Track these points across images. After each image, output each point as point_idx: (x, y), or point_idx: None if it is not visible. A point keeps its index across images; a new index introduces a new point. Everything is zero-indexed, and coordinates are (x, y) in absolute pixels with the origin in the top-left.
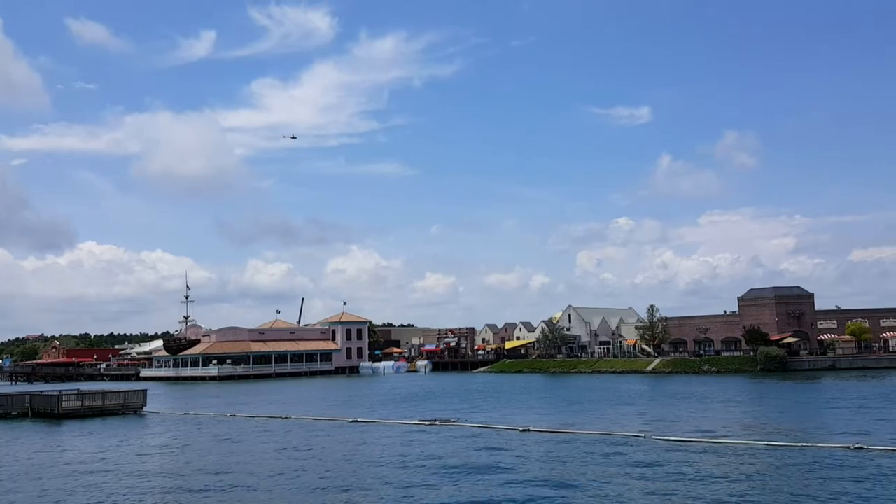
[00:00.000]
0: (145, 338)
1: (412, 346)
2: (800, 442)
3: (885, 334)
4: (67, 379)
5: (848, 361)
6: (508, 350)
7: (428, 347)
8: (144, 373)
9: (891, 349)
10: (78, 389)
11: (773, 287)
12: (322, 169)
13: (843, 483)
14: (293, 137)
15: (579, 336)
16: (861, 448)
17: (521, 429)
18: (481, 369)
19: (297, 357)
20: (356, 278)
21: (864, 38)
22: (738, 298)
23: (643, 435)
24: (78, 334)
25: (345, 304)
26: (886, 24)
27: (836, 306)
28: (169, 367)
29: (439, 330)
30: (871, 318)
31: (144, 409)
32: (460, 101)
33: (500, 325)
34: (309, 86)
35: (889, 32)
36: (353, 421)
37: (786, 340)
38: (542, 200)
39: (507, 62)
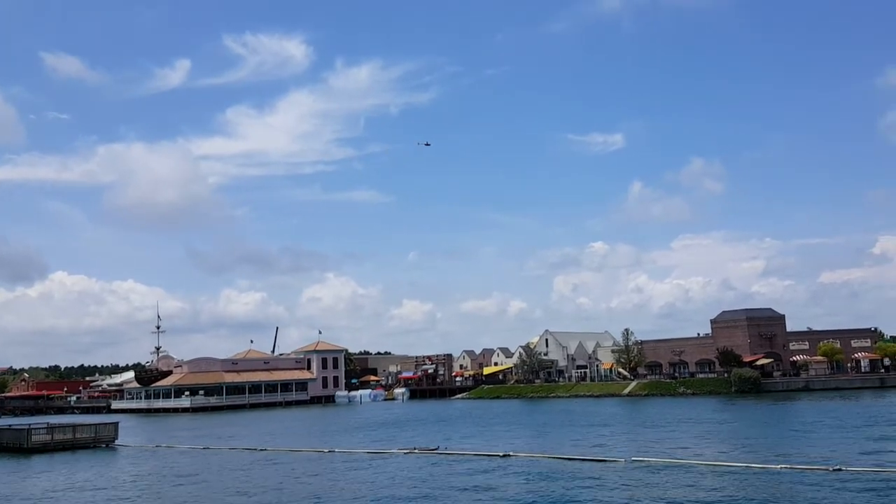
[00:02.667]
0: (116, 369)
1: (389, 373)
2: (778, 464)
3: (856, 355)
4: (37, 412)
5: (821, 382)
6: (486, 376)
7: (405, 375)
8: (116, 405)
9: (863, 370)
10: (48, 423)
11: (745, 309)
12: (297, 196)
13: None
14: (427, 144)
15: (556, 360)
16: (840, 470)
17: (501, 454)
18: (459, 396)
19: (271, 387)
20: (333, 306)
21: (828, 64)
22: (711, 321)
23: (622, 459)
24: (48, 366)
25: (320, 332)
26: (850, 51)
27: (808, 327)
28: (141, 398)
29: (417, 357)
30: (843, 339)
31: (116, 441)
32: (436, 128)
33: (477, 352)
34: (284, 113)
35: (852, 60)
36: (329, 451)
37: (759, 362)
38: (518, 226)
39: (483, 90)
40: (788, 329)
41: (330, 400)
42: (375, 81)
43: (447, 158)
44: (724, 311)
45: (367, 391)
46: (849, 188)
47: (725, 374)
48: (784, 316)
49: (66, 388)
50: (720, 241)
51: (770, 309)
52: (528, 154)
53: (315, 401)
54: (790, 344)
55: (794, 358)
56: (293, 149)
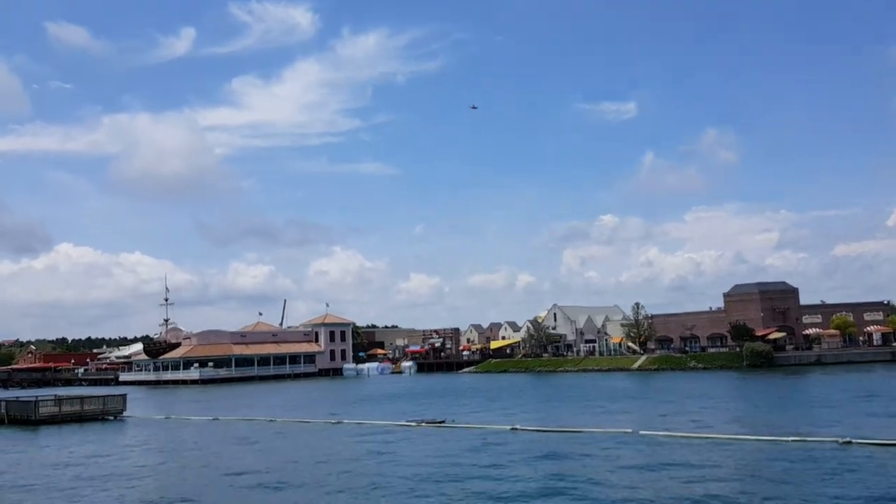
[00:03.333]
0: (124, 342)
1: (397, 347)
2: (788, 436)
3: (869, 328)
4: (44, 384)
5: (834, 356)
6: (494, 350)
7: (413, 348)
8: (124, 377)
9: (875, 343)
10: (55, 395)
11: (758, 283)
12: (304, 168)
13: (831, 477)
14: (474, 108)
15: (565, 335)
16: (849, 442)
17: (508, 428)
18: (467, 370)
19: (279, 359)
20: (340, 280)
21: (841, 35)
22: (724, 294)
23: (630, 430)
24: (55, 339)
25: (328, 305)
26: (863, 22)
27: (821, 301)
28: (149, 370)
29: (424, 331)
30: (856, 312)
31: (124, 413)
32: (444, 97)
33: (485, 325)
34: (290, 83)
35: (866, 31)
36: (336, 422)
37: (771, 336)
38: (527, 199)
39: (492, 58)
40: (802, 302)
41: (338, 373)
42: (382, 49)
43: (455, 129)
44: (736, 285)
45: (375, 364)
46: (865, 159)
47: (737, 349)
48: (797, 289)
49: (73, 361)
50: (734, 213)
51: (783, 282)
52: (537, 124)
53: (323, 373)
54: (803, 317)
55: (807, 331)
56: (299, 119)
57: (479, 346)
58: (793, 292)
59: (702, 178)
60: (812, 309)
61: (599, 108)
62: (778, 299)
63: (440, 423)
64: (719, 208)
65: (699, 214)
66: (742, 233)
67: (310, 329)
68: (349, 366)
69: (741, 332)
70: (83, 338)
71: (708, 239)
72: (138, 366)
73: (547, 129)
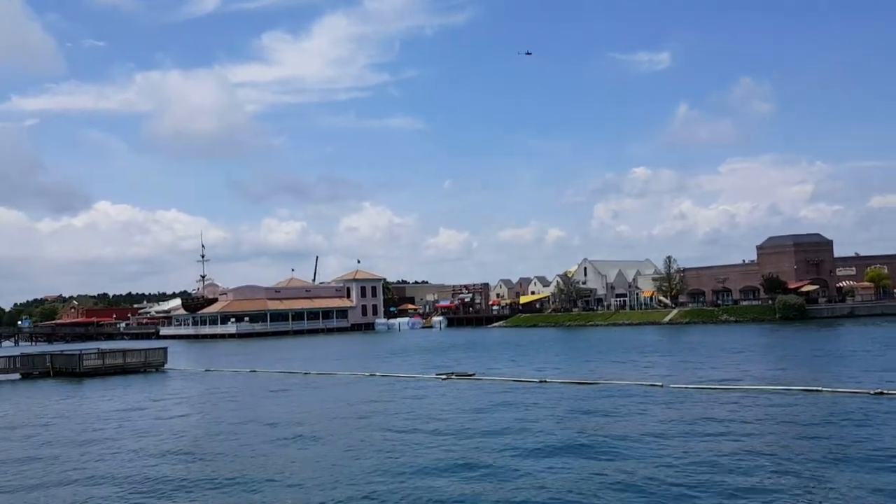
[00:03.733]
0: (163, 297)
1: (427, 302)
2: (820, 388)
3: None
4: (87, 338)
5: (867, 308)
6: (523, 305)
7: (442, 303)
8: (164, 331)
9: None
10: (98, 348)
11: (792, 235)
12: (333, 124)
13: (863, 428)
14: (528, 53)
15: (595, 289)
16: (882, 393)
17: (537, 380)
18: (496, 324)
19: (313, 314)
20: (370, 236)
21: None
22: (757, 247)
23: (660, 384)
24: (96, 294)
25: (359, 261)
26: None
27: (856, 253)
28: (188, 325)
29: (454, 286)
30: (891, 265)
31: (165, 366)
32: (473, 50)
33: (514, 280)
34: (319, 38)
35: None
36: (370, 375)
37: (804, 288)
38: (558, 152)
39: (520, 9)
40: (836, 255)
41: (369, 327)
42: (410, 2)
43: (484, 82)
44: (770, 237)
45: (406, 319)
46: None
47: (770, 302)
48: (832, 241)
49: (114, 316)
50: (769, 165)
51: (818, 234)
52: (568, 75)
53: (355, 328)
54: (837, 270)
55: (841, 284)
56: (328, 74)
57: (508, 301)
58: (827, 244)
59: (736, 128)
60: (846, 261)
61: (633, 59)
62: (812, 251)
63: (470, 375)
64: (754, 160)
65: (734, 166)
66: (777, 184)
67: (341, 285)
68: (381, 320)
69: (774, 285)
70: (123, 293)
71: (742, 191)
72: (177, 320)
73: (579, 80)
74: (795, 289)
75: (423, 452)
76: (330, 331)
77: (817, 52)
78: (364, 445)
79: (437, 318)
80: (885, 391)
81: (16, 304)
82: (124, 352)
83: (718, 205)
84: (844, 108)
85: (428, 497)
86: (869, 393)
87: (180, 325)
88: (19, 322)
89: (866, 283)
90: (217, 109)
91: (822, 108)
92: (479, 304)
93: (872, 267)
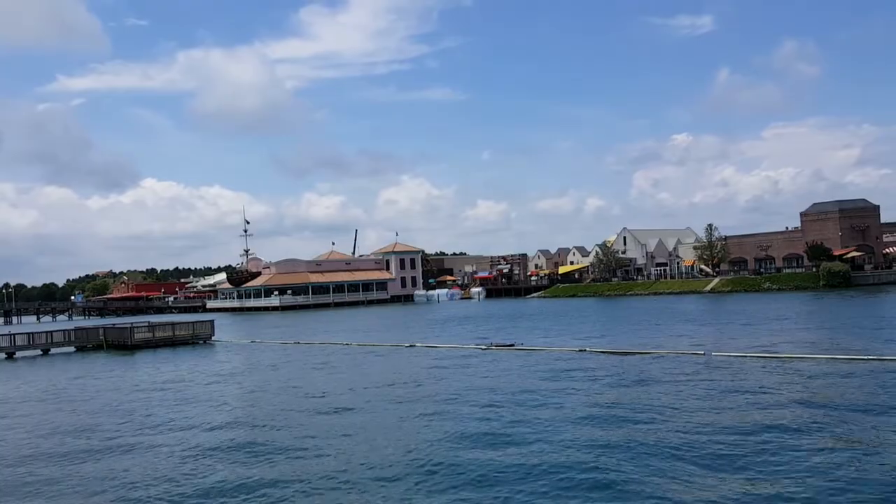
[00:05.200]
0: (209, 271)
1: (465, 273)
2: (865, 355)
3: None
4: (137, 312)
5: None
6: (562, 275)
7: (481, 275)
8: (210, 304)
9: None
10: (148, 321)
11: (838, 200)
12: (372, 97)
13: None
14: None
15: (635, 259)
16: None
17: (577, 350)
18: (535, 295)
19: (353, 287)
20: (408, 208)
21: None
22: (801, 214)
23: (702, 352)
24: (145, 269)
25: (397, 234)
26: None
27: None
28: (233, 298)
29: (492, 257)
30: None
31: (213, 338)
32: (511, 18)
33: (553, 251)
34: (357, 11)
35: None
36: (409, 346)
37: (849, 255)
38: (597, 120)
39: None
40: (883, 220)
41: (409, 299)
42: None
43: (522, 51)
44: (814, 203)
45: (445, 290)
46: None
47: (813, 269)
48: (878, 207)
49: (163, 290)
50: (815, 129)
51: (864, 199)
52: (608, 41)
53: (394, 300)
54: (884, 236)
55: (887, 250)
56: (367, 48)
57: (547, 272)
58: (873, 210)
59: (780, 92)
60: (893, 227)
61: (673, 23)
62: (857, 217)
63: (509, 346)
64: (799, 124)
65: (778, 131)
66: (822, 149)
67: (380, 257)
68: (419, 292)
69: (818, 252)
70: (171, 268)
71: (786, 156)
72: (223, 294)
73: (618, 46)
74: (840, 256)
75: (464, 421)
76: (370, 303)
77: (864, 9)
78: (399, 419)
79: (475, 290)
80: None
81: (69, 280)
82: (173, 324)
83: (761, 171)
84: (892, 68)
85: (472, 462)
86: None
87: (226, 298)
88: (72, 297)
89: None
90: (258, 86)
91: (870, 68)
92: (518, 274)
93: None
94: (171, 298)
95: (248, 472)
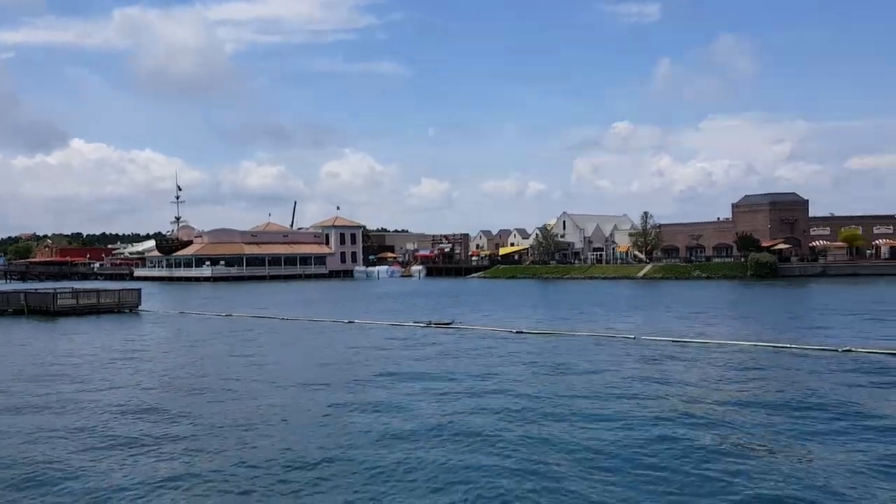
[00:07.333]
0: (137, 238)
1: (406, 251)
2: (788, 343)
3: (878, 241)
4: (61, 277)
5: (838, 268)
6: (503, 256)
7: (422, 253)
8: (138, 272)
9: (883, 256)
10: (72, 287)
11: (769, 194)
12: (316, 67)
13: (830, 383)
14: None
15: (573, 243)
16: (850, 350)
17: (515, 331)
18: (475, 275)
19: (290, 260)
20: (350, 183)
21: None
22: (733, 205)
23: (632, 336)
24: (70, 234)
25: (338, 208)
26: None
27: (830, 213)
28: (162, 267)
29: (434, 236)
30: (865, 225)
31: (139, 307)
32: None
33: (494, 232)
34: None
35: None
36: (348, 322)
37: (777, 246)
38: (541, 104)
39: None
40: (811, 215)
41: (348, 275)
42: None
43: (471, 30)
44: (746, 196)
45: (385, 267)
46: (887, 69)
47: (742, 259)
48: (807, 201)
49: (88, 255)
50: (751, 123)
51: (794, 193)
52: (557, 25)
53: (333, 275)
54: (811, 229)
55: (814, 244)
56: (313, 15)
57: (487, 253)
58: (802, 204)
59: (719, 85)
60: (821, 221)
61: (620, 10)
62: (787, 211)
63: (448, 324)
64: (735, 117)
65: (714, 123)
66: (756, 143)
67: (320, 231)
68: (359, 268)
69: (747, 243)
70: (97, 233)
71: (721, 149)
72: (151, 262)
73: (566, 31)
74: (768, 247)
75: (388, 396)
76: (307, 277)
77: (803, 8)
78: (329, 391)
79: (416, 268)
80: (853, 348)
81: None
82: (98, 292)
83: (696, 162)
84: (828, 66)
85: (394, 436)
86: (837, 350)
87: (154, 266)
88: None
89: (839, 243)
90: (196, 49)
91: (806, 66)
92: (459, 254)
93: (846, 227)
94: (97, 265)
95: (135, 467)
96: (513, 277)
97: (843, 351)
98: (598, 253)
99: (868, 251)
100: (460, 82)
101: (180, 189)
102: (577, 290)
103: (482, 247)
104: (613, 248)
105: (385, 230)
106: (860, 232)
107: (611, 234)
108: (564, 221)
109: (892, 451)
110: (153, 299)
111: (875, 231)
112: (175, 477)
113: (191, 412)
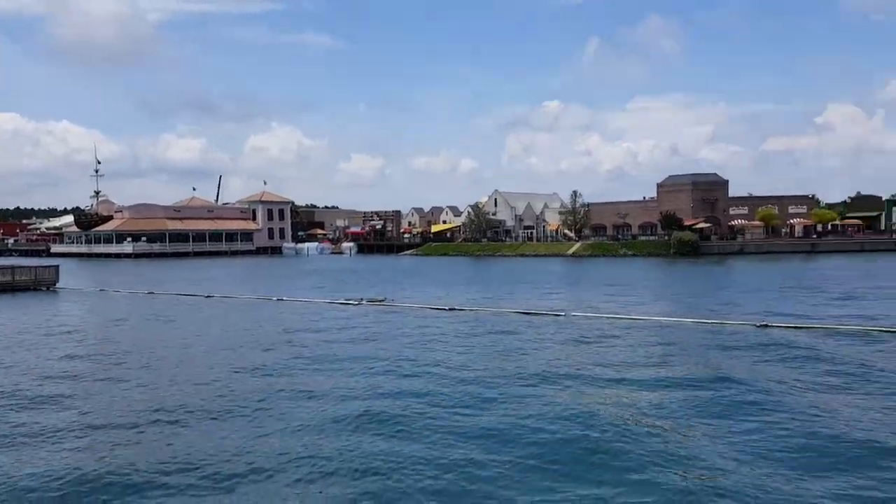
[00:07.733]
0: (55, 213)
1: (337, 228)
2: (708, 319)
3: (793, 220)
4: None
5: (755, 246)
6: (434, 234)
7: (353, 230)
8: (55, 248)
9: (797, 235)
10: None
11: (691, 174)
12: (242, 37)
13: (748, 356)
14: None
15: (504, 221)
16: (766, 325)
17: (448, 308)
18: (407, 252)
19: (216, 236)
20: (278, 157)
21: None
22: (657, 185)
23: (562, 313)
24: None
25: (265, 183)
26: None
27: (749, 193)
28: (81, 243)
29: (365, 213)
30: (781, 205)
31: (57, 285)
32: None
33: (426, 209)
34: None
35: None
36: (277, 299)
37: (698, 225)
38: (473, 81)
39: None
40: (731, 195)
41: (276, 251)
42: None
43: (404, 7)
44: (670, 176)
45: (315, 244)
46: (804, 54)
47: (666, 237)
48: (727, 182)
49: (2, 231)
50: (676, 105)
51: (715, 174)
52: (488, 4)
53: (261, 252)
54: (730, 209)
55: (733, 223)
56: None
57: (420, 230)
58: (723, 184)
59: (645, 67)
60: (739, 201)
61: None
62: (708, 191)
63: (381, 301)
64: (661, 99)
65: (641, 104)
66: (680, 124)
67: (247, 206)
68: (288, 245)
69: (670, 222)
70: (11, 207)
71: (647, 129)
72: (70, 238)
73: (498, 9)
74: (690, 226)
75: (320, 374)
76: (234, 254)
77: None
78: (255, 372)
79: (347, 245)
80: (769, 323)
81: None
82: (13, 268)
83: (623, 142)
84: (749, 52)
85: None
86: (754, 325)
87: (73, 242)
88: None
89: (756, 223)
90: (116, 16)
91: (729, 50)
92: (391, 231)
93: (763, 207)
94: (12, 240)
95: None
96: (445, 255)
97: (760, 326)
98: (529, 231)
99: (783, 230)
100: (391, 57)
101: (99, 162)
102: (508, 267)
103: (414, 224)
104: (544, 227)
105: (315, 206)
106: (776, 211)
107: (541, 213)
108: (496, 199)
109: (804, 422)
110: (71, 276)
111: (790, 210)
112: (63, 476)
113: (100, 399)
